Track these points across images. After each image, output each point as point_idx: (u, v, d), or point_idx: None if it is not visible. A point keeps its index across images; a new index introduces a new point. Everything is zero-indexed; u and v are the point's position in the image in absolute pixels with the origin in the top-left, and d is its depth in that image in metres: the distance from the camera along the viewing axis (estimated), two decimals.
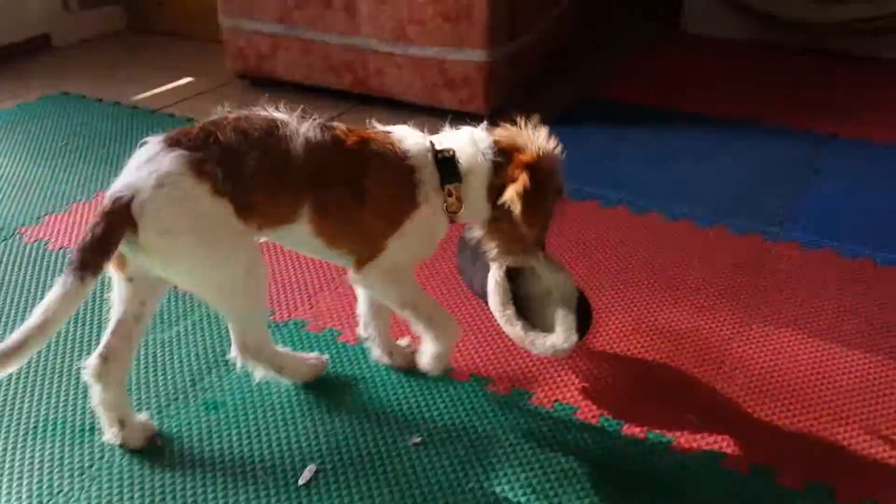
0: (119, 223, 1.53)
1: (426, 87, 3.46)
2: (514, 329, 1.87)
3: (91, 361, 1.69)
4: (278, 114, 1.67)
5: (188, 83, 3.99)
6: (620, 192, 2.87)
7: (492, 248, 1.83)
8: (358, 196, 1.69)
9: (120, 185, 1.56)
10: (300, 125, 1.65)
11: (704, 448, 1.78)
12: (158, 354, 2.05)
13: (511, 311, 1.88)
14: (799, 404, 1.91)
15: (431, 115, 3.56)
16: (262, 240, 1.81)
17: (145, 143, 1.61)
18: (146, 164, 1.56)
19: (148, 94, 3.84)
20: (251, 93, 3.77)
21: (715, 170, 3.07)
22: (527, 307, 1.91)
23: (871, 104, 3.66)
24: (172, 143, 1.58)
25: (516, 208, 1.67)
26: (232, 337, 1.79)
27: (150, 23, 4.74)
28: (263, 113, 1.67)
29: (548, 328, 1.86)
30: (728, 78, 4.02)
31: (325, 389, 1.94)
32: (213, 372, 2.00)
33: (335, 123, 1.73)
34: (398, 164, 1.71)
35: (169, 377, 1.98)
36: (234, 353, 1.79)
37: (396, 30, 3.39)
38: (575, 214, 2.70)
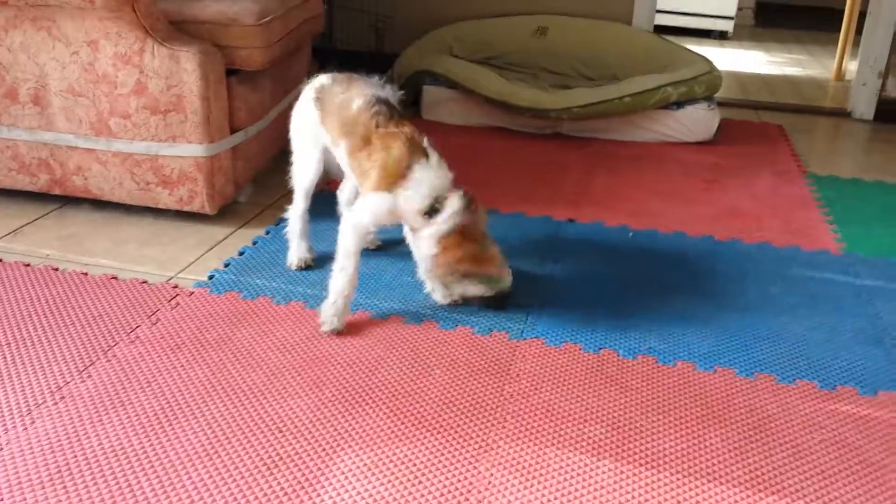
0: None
1: (139, 186, 3.05)
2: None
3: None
4: (365, 88, 2.52)
5: None
6: (359, 295, 2.62)
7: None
8: (367, 145, 2.43)
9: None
10: (361, 98, 2.47)
11: None
12: None
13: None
14: None
15: (146, 214, 3.16)
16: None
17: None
18: (305, 90, 2.70)
19: None
20: None
21: None
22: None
23: (603, 185, 3.74)
24: (312, 83, 2.68)
25: None
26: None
27: None
28: (362, 84, 2.54)
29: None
30: (467, 163, 3.96)
31: None
32: None
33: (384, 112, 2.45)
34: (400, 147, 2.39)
35: None
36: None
37: (97, 124, 2.97)
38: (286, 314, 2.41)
